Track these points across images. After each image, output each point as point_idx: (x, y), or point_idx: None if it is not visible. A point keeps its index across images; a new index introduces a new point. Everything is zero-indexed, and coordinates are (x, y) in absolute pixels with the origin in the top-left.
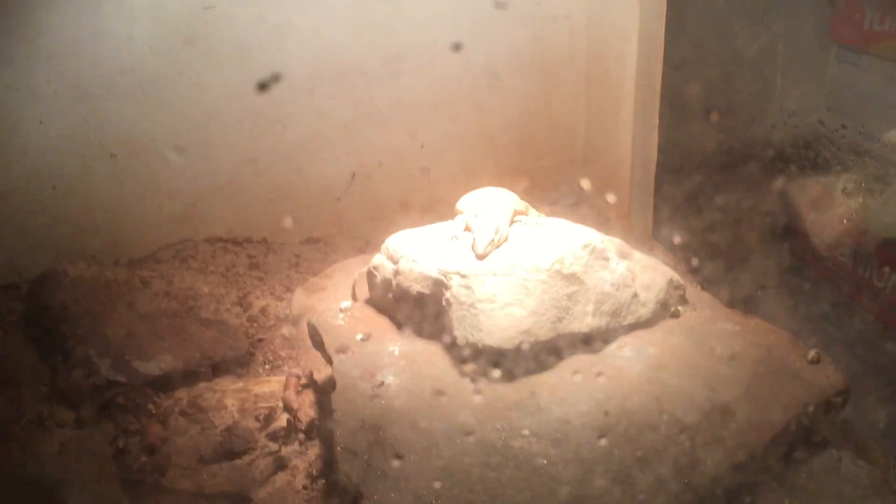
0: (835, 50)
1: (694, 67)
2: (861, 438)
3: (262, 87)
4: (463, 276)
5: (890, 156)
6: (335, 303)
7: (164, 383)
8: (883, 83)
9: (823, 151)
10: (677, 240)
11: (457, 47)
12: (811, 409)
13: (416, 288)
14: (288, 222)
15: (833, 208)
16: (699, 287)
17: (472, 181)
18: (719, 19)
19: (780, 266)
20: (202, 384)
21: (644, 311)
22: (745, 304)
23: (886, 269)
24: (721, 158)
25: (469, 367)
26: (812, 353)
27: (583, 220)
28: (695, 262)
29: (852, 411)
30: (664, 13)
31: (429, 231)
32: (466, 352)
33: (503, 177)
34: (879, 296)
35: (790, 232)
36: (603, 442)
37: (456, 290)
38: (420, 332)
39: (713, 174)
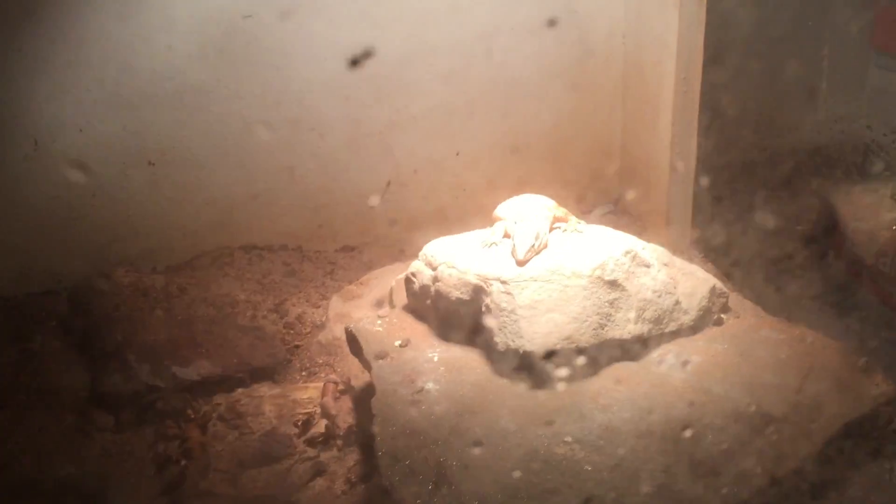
0: (875, 57)
1: (735, 73)
2: None
3: (355, 62)
4: (503, 283)
5: None
6: (372, 310)
7: (202, 389)
8: None
9: (868, 158)
10: (717, 249)
11: (552, 23)
12: (861, 418)
13: (456, 294)
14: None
15: (877, 216)
16: (741, 296)
17: (507, 189)
18: (761, 24)
19: (824, 274)
20: (240, 390)
21: (686, 319)
22: (788, 313)
23: None
24: (762, 165)
25: (509, 373)
26: (862, 362)
27: (619, 229)
28: (736, 270)
29: None
30: (704, 17)
31: (468, 238)
32: (507, 358)
33: (538, 185)
34: None
35: (834, 239)
36: (649, 449)
37: (496, 296)
38: (459, 339)
39: (754, 181)
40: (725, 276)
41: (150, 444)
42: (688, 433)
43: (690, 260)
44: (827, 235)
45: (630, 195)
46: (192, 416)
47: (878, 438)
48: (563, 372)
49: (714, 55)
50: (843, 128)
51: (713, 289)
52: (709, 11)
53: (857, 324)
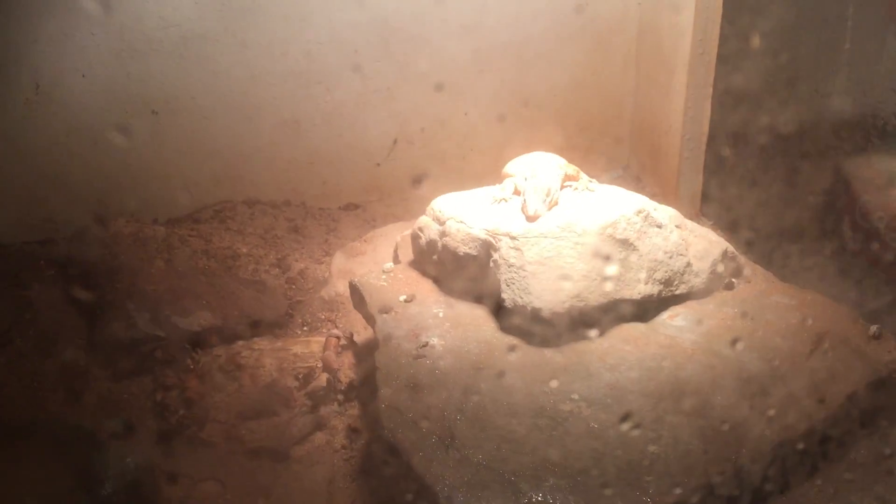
0: (894, 27)
1: (753, 35)
2: None
3: None
4: (512, 238)
5: None
6: (375, 266)
7: (202, 339)
8: None
9: (878, 128)
10: (727, 215)
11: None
12: (872, 383)
13: (463, 249)
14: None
15: (891, 187)
16: (751, 261)
17: (515, 151)
18: None
19: (835, 243)
20: (240, 342)
21: (697, 282)
22: (797, 281)
23: None
24: (778, 131)
25: (516, 330)
26: (874, 329)
27: None
28: (747, 237)
29: None
30: None
31: (476, 194)
32: (514, 315)
33: (547, 147)
34: None
35: (846, 209)
36: (656, 408)
37: (505, 251)
38: (465, 295)
39: (768, 148)
40: (735, 243)
41: (148, 393)
42: (696, 395)
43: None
44: (841, 205)
45: (640, 160)
46: (192, 367)
47: (889, 404)
48: (570, 330)
49: (732, 16)
50: (866, 93)
51: (725, 252)
52: None
53: (868, 292)
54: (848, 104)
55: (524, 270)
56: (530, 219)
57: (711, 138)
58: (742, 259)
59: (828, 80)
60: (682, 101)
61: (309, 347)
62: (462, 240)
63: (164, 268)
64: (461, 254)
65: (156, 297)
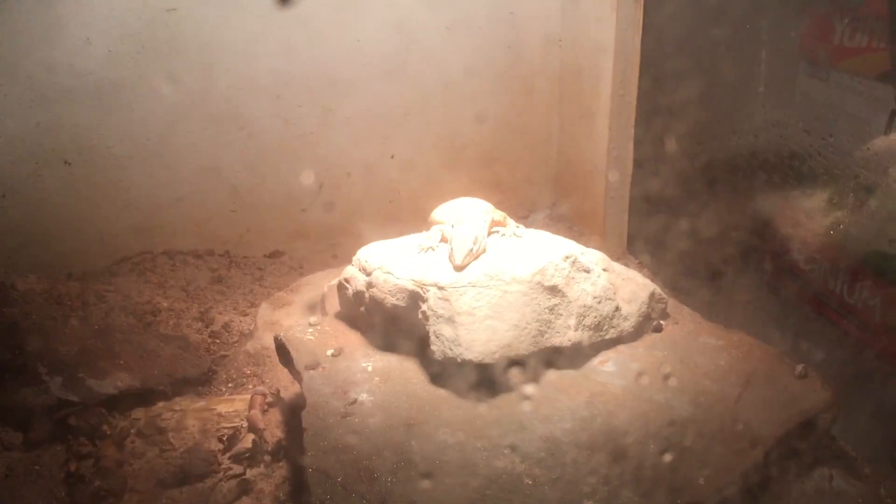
0: (804, 65)
1: (672, 77)
2: (849, 455)
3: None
4: (440, 289)
5: (859, 171)
6: (302, 318)
7: (119, 403)
8: (853, 99)
9: (795, 167)
10: (653, 255)
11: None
12: (800, 424)
13: (391, 301)
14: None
15: (810, 222)
16: (678, 301)
17: (443, 194)
18: (698, 28)
19: (759, 280)
20: (161, 404)
21: (626, 325)
22: (724, 319)
23: (858, 284)
24: (699, 170)
25: (447, 383)
26: (799, 368)
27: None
28: (672, 276)
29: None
30: (641, 21)
31: (403, 242)
32: (444, 367)
33: (474, 190)
34: (851, 312)
35: (768, 246)
36: (591, 461)
37: (433, 302)
38: (394, 347)
39: (691, 186)
40: (662, 282)
41: (61, 464)
42: (630, 444)
43: (627, 266)
44: (763, 241)
45: (566, 201)
46: (108, 433)
47: (817, 444)
48: (502, 381)
49: (651, 59)
50: (781, 132)
51: (652, 294)
52: (646, 15)
53: (793, 329)
54: (765, 144)
55: (453, 321)
56: (457, 268)
57: (635, 179)
58: (669, 300)
59: (744, 120)
60: (605, 142)
61: (234, 406)
62: (389, 291)
63: (78, 326)
64: (389, 305)
65: (69, 359)
